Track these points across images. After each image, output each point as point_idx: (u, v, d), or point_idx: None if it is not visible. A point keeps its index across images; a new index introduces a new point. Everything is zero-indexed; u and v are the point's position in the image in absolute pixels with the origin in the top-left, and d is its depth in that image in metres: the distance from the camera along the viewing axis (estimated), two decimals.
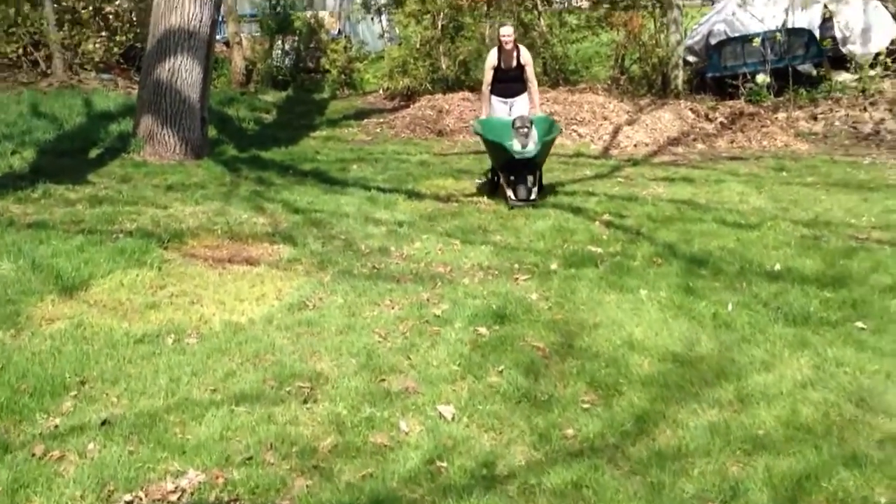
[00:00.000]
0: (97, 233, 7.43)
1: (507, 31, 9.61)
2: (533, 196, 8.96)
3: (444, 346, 5.36)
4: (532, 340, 5.46)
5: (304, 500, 3.74)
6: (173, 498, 3.75)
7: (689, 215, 8.62)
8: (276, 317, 5.83)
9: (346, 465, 4.01)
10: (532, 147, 8.91)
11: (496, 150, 9.17)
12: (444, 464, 4.03)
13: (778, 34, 14.58)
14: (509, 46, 9.54)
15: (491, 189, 9.62)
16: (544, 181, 9.67)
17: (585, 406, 4.59)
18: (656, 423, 4.40)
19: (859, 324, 5.67)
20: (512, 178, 9.02)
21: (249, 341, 5.37)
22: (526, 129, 8.90)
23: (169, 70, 11.06)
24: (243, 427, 4.31)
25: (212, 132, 12.88)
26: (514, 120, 9.00)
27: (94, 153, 11.20)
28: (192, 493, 3.78)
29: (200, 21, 11.08)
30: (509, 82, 9.68)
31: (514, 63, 9.62)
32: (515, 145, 8.90)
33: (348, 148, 13.10)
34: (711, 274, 6.77)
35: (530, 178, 8.99)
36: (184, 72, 11.08)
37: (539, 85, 10.73)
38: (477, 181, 10.36)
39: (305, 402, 4.60)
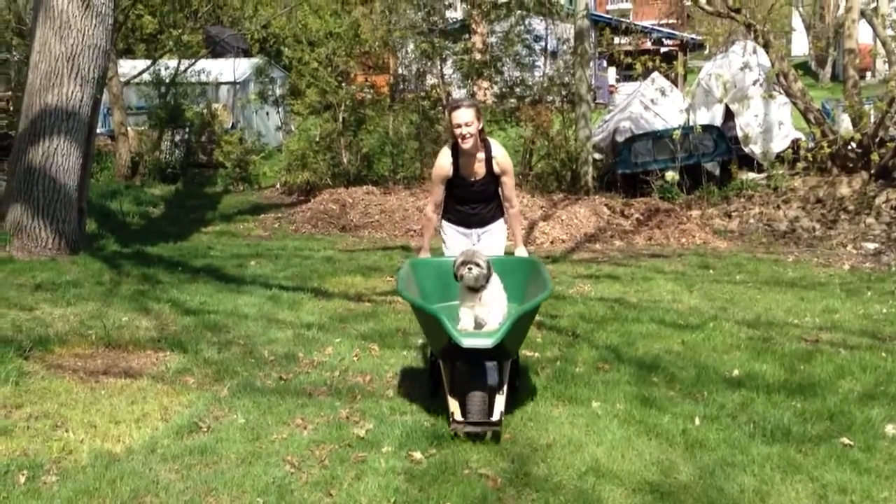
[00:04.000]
0: None
1: (465, 117, 5.57)
2: (496, 415, 4.89)
3: (373, 478, 4.36)
4: (478, 467, 4.53)
5: None
6: None
7: (623, 315, 7.94)
8: (160, 444, 4.73)
9: None
10: (494, 327, 5.00)
11: (429, 325, 5.03)
12: None
13: (698, 128, 14.39)
14: (469, 143, 5.61)
15: (434, 385, 5.53)
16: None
17: None
18: None
19: (845, 440, 4.96)
20: (457, 377, 5.03)
21: (126, 478, 4.26)
22: (478, 273, 5.03)
23: (43, 154, 9.91)
24: None
25: (91, 226, 11.73)
26: (458, 260, 5.11)
27: None
28: None
29: (81, 101, 10.01)
30: (474, 203, 5.93)
31: (483, 171, 5.78)
32: (464, 321, 5.08)
33: (245, 243, 12.10)
34: (665, 381, 6.03)
35: (492, 379, 4.99)
36: (60, 156, 9.93)
37: None
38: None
39: None
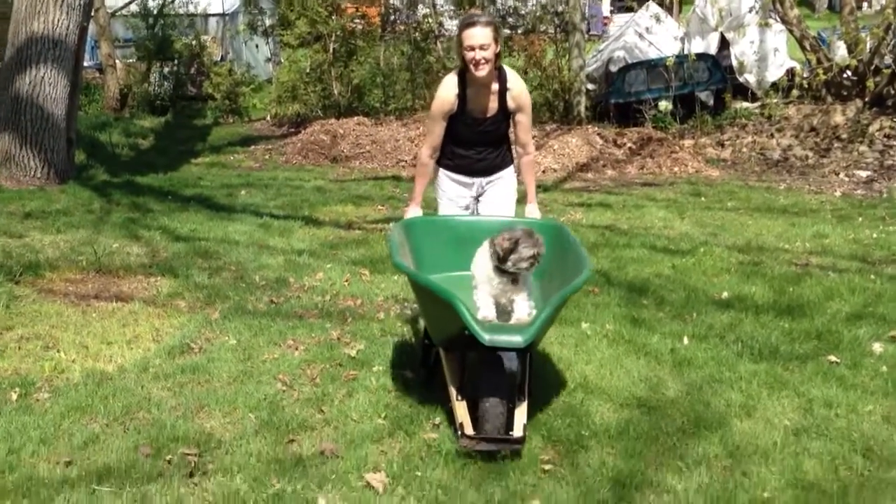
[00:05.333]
0: None
1: (481, 37, 4.46)
2: (518, 429, 3.80)
3: (363, 395, 4.41)
4: None
5: None
6: None
7: (615, 241, 7.95)
8: (152, 363, 4.77)
9: None
10: (524, 319, 3.96)
11: (435, 308, 4.03)
12: None
13: (693, 57, 14.26)
14: (484, 71, 4.50)
15: (426, 373, 4.62)
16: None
17: (547, 467, 3.70)
18: (638, 488, 3.55)
19: (832, 357, 5.01)
20: (473, 376, 4.00)
21: (118, 395, 4.30)
22: (525, 262, 3.92)
23: (30, 83, 9.77)
24: None
25: (80, 157, 11.62)
26: (518, 240, 3.92)
27: None
28: None
29: (67, 28, 9.84)
30: (480, 146, 4.79)
31: (496, 106, 4.66)
32: (483, 311, 4.01)
33: (235, 174, 12.02)
34: (655, 304, 6.07)
35: (513, 379, 3.95)
36: (47, 85, 9.80)
37: None
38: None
39: (192, 475, 3.57)
